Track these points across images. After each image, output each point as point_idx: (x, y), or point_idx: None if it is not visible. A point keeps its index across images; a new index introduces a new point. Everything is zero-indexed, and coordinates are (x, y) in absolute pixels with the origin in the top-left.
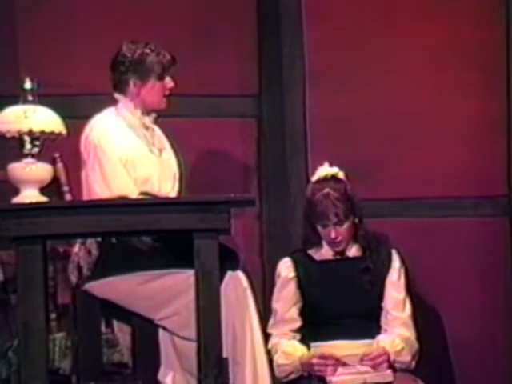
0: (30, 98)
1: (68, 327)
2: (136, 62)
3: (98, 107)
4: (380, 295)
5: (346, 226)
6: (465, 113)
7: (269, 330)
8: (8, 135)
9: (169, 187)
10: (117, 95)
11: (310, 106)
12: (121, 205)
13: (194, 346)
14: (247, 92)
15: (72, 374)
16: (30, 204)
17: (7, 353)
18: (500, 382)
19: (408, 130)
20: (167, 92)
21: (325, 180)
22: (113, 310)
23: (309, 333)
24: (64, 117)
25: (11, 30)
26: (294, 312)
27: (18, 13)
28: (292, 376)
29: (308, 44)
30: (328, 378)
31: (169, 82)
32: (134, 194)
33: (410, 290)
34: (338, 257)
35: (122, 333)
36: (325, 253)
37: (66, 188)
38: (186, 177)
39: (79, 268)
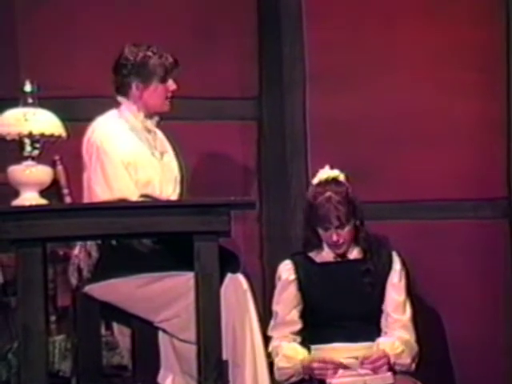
0: (30, 100)
1: (68, 329)
2: (138, 64)
3: (99, 109)
4: (380, 297)
5: (347, 229)
6: (465, 114)
7: (269, 333)
8: (8, 138)
9: (170, 190)
10: (119, 98)
11: (310, 107)
12: (121, 207)
13: (193, 348)
14: (247, 94)
15: (72, 376)
16: (30, 206)
17: (7, 355)
18: (500, 383)
19: (408, 131)
20: (170, 94)
21: (326, 183)
22: (113, 313)
23: (309, 335)
24: (64, 119)
25: (11, 31)
26: (295, 314)
27: (17, 13)
28: (293, 379)
29: (308, 45)
30: (328, 381)
31: (171, 84)
32: (135, 196)
33: (411, 292)
34: (339, 259)
35: (121, 335)
36: (325, 255)
37: (65, 190)
38: (187, 179)
39: (79, 270)
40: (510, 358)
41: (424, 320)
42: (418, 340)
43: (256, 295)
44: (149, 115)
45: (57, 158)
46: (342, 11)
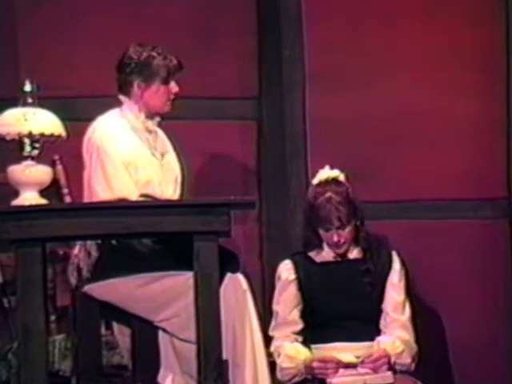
0: (30, 100)
1: (68, 329)
2: (142, 64)
3: (98, 109)
4: (380, 297)
5: (348, 229)
6: (465, 114)
7: (270, 333)
8: (8, 138)
9: (170, 191)
10: (121, 97)
11: (310, 107)
12: (121, 207)
13: (193, 348)
14: (247, 94)
15: (72, 375)
16: (30, 206)
17: (7, 355)
18: (500, 383)
19: (408, 132)
20: (172, 97)
21: (326, 183)
22: (112, 312)
23: (309, 335)
24: (64, 119)
25: (11, 31)
26: (296, 314)
27: (17, 13)
28: (296, 379)
29: (308, 45)
30: (328, 380)
31: (173, 86)
32: (134, 196)
33: (410, 292)
34: (339, 259)
35: (121, 335)
36: (325, 255)
37: (65, 190)
38: (187, 179)
39: (79, 270)
40: (510, 358)
41: (424, 320)
42: (418, 340)
43: (256, 295)
44: (150, 115)
45: (56, 157)
46: (341, 11)
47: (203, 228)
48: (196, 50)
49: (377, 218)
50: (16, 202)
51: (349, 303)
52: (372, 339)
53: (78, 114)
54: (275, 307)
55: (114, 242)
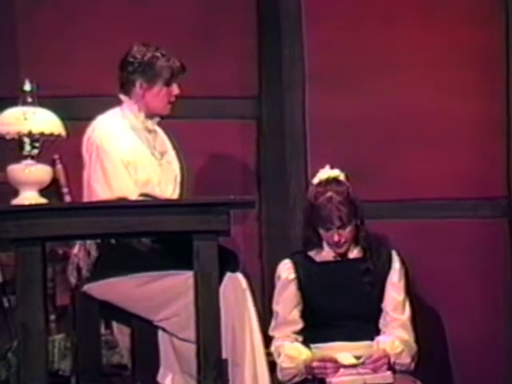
0: (30, 99)
1: (67, 328)
2: (145, 64)
3: (98, 109)
4: (380, 297)
5: (348, 229)
6: (465, 114)
7: (270, 333)
8: (7, 137)
9: (170, 190)
10: (122, 96)
11: (310, 107)
12: (120, 206)
13: (193, 347)
14: (247, 93)
15: (71, 375)
16: (30, 206)
17: (7, 354)
18: (500, 383)
19: (408, 131)
20: (172, 99)
21: (327, 183)
22: (112, 312)
23: (309, 334)
24: (63, 118)
25: (11, 31)
26: (296, 314)
27: (17, 13)
28: (296, 379)
29: (308, 45)
30: (328, 380)
31: (175, 88)
32: (134, 195)
33: (410, 291)
34: (339, 258)
35: (121, 334)
36: (325, 254)
37: (65, 189)
38: (186, 178)
39: (78, 269)
40: (510, 358)
41: (424, 319)
42: (417, 340)
43: (255, 294)
44: (149, 116)
45: (56, 157)
46: (341, 11)
47: (203, 227)
48: (196, 49)
49: (377, 218)
50: (16, 202)
51: (349, 303)
52: (372, 339)
53: (77, 113)
54: (275, 307)
55: (113, 241)
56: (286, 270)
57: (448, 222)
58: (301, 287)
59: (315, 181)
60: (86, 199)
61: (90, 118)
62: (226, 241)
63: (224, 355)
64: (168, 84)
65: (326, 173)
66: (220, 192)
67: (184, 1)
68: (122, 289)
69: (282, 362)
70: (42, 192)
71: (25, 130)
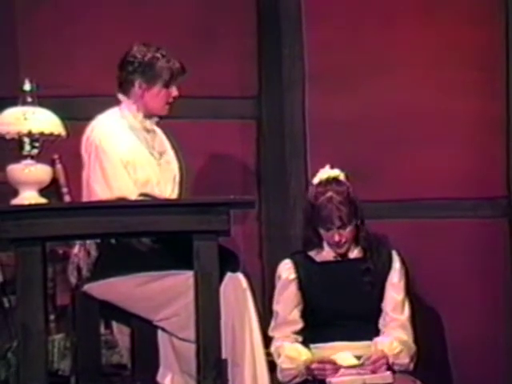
0: (30, 99)
1: (67, 328)
2: (145, 64)
3: (98, 108)
4: (380, 296)
5: (349, 229)
6: (465, 113)
7: (270, 333)
8: (7, 137)
9: (169, 190)
10: (120, 96)
11: (310, 107)
12: (120, 206)
13: (193, 347)
14: (247, 93)
15: (71, 375)
16: (29, 205)
17: (6, 354)
18: (500, 383)
19: (408, 131)
20: (171, 100)
21: (327, 183)
22: (112, 312)
23: (309, 334)
24: (63, 118)
25: (11, 31)
26: (296, 314)
27: (17, 13)
28: (296, 380)
29: (308, 45)
30: (328, 380)
31: (174, 90)
32: (134, 195)
33: (410, 291)
34: (339, 258)
35: (121, 334)
36: (325, 254)
37: (65, 189)
38: (186, 178)
39: (78, 269)
40: (510, 358)
41: (424, 320)
42: (417, 340)
43: (255, 294)
44: (148, 115)
45: (56, 156)
46: (341, 11)
47: (203, 227)
48: (196, 49)
49: (377, 218)
50: (15, 201)
51: (349, 302)
52: (371, 338)
53: (77, 113)
54: (275, 307)
55: (113, 241)
56: (286, 269)
57: (448, 221)
58: (301, 287)
59: (315, 181)
60: (85, 199)
61: (89, 118)
62: (226, 241)
63: (224, 355)
64: (167, 85)
65: (326, 173)
66: (220, 192)
67: (184, 1)
68: (122, 289)
69: (281, 363)
70: (42, 192)
71: (25, 130)
